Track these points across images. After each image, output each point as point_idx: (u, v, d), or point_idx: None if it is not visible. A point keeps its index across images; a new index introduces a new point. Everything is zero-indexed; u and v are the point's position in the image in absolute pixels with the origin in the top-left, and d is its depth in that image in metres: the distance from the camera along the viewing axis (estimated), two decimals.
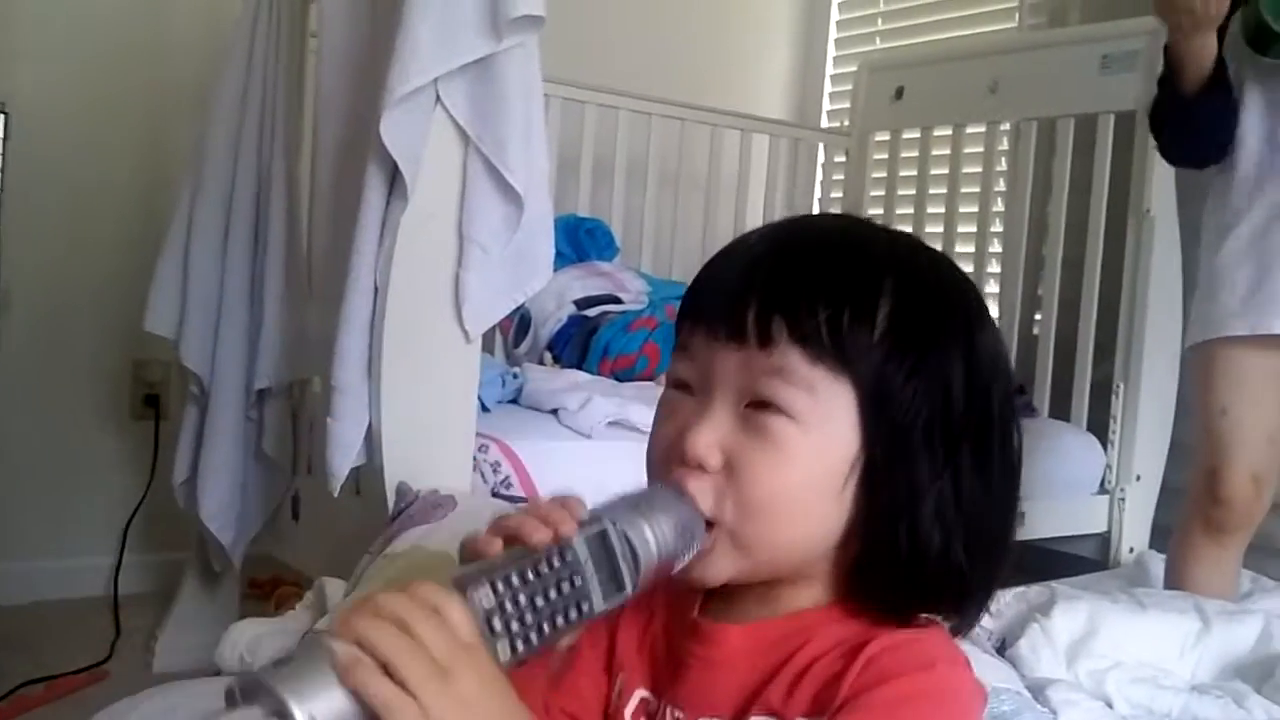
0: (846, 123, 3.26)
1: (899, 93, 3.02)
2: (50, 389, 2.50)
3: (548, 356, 2.36)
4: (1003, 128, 2.84)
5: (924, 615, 0.68)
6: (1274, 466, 1.83)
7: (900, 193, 3.04)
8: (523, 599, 0.58)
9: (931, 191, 2.95)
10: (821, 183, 3.27)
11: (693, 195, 2.87)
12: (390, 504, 1.54)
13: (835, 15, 3.56)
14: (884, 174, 3.10)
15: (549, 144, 1.66)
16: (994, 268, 2.87)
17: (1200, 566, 1.87)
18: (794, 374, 0.66)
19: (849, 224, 0.75)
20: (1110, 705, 1.39)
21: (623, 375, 2.24)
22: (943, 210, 2.90)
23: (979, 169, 2.85)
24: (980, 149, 2.86)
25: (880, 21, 3.48)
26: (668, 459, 0.69)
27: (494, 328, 2.27)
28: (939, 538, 0.66)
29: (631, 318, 2.33)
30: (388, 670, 0.51)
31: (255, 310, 2.01)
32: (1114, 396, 2.43)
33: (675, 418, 0.70)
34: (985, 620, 1.55)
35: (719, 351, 0.68)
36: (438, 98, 1.55)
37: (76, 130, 2.47)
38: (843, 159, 3.21)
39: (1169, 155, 1.95)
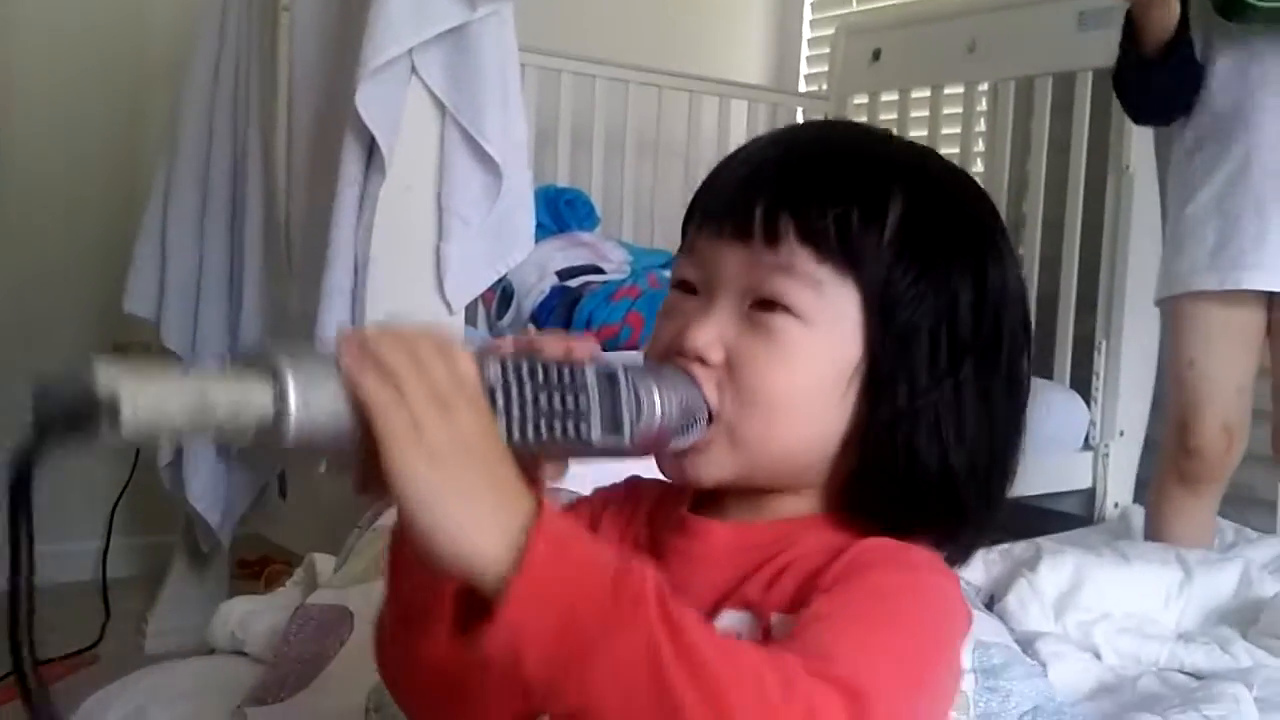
0: (824, 86, 3.25)
1: (876, 55, 3.01)
2: (31, 371, 2.48)
3: (531, 328, 2.35)
4: (981, 88, 2.84)
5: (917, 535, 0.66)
6: (1245, 417, 1.86)
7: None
8: (527, 389, 0.57)
9: None
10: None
11: (672, 163, 2.86)
12: None
13: None
14: None
15: (526, 114, 1.65)
16: None
17: (1178, 518, 1.89)
18: (800, 271, 0.65)
19: (864, 130, 0.77)
20: (1098, 656, 1.41)
21: (607, 345, 2.23)
22: None
23: (958, 130, 2.85)
24: (959, 110, 2.86)
25: None
26: (668, 355, 0.68)
27: (476, 300, 2.26)
28: (936, 452, 0.66)
29: (614, 287, 2.32)
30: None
31: (235, 287, 1.99)
32: (1096, 353, 2.44)
33: (677, 316, 0.69)
34: (973, 576, 1.58)
35: (723, 250, 0.67)
36: (413, 68, 1.53)
37: (52, 109, 2.45)
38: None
39: (1134, 116, 1.97)
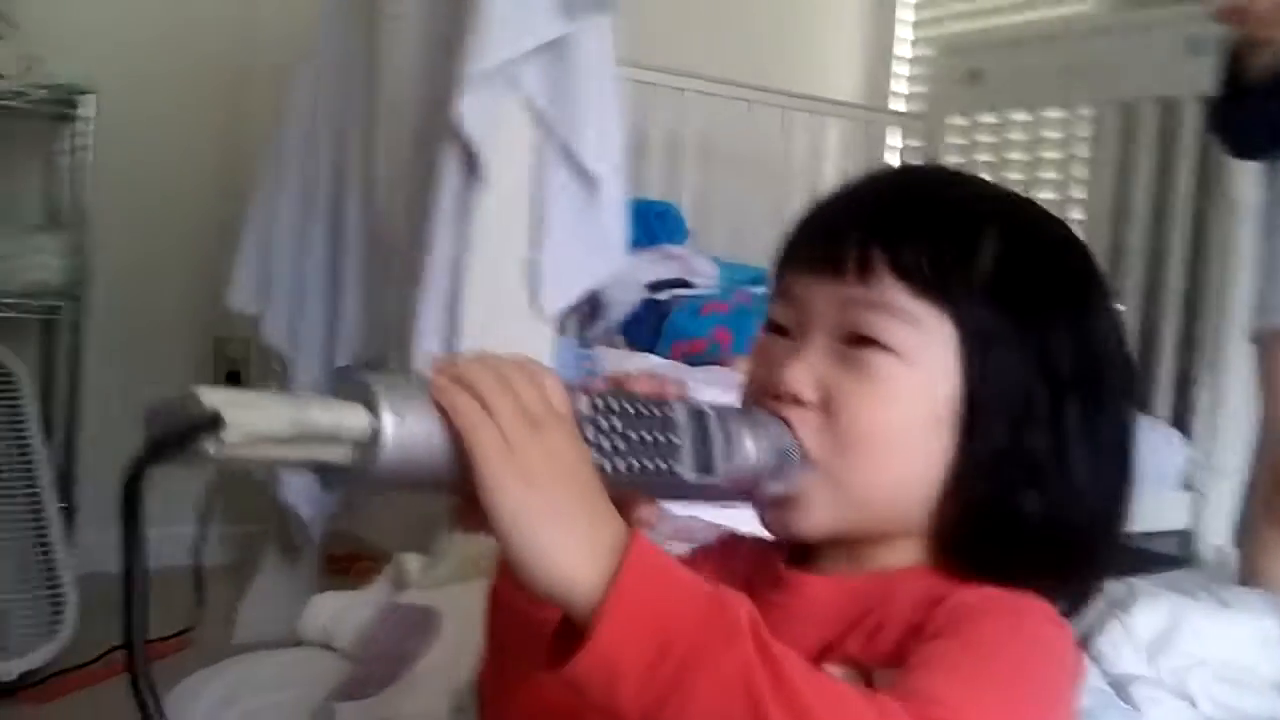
0: (921, 106, 3.22)
1: (974, 75, 2.97)
2: (134, 364, 2.56)
3: (619, 339, 2.37)
4: (1083, 112, 2.79)
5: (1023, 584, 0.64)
6: None
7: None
8: (617, 424, 0.57)
9: (1009, 177, 2.90)
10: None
11: (763, 179, 2.86)
12: None
13: None
14: (959, 159, 3.05)
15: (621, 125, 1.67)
16: None
17: (1272, 562, 1.83)
18: (895, 307, 0.64)
19: (958, 173, 0.77)
20: (1194, 704, 1.36)
21: (694, 360, 2.24)
22: None
23: (1057, 154, 2.81)
24: (1059, 134, 2.81)
25: (955, 2, 3.43)
26: (760, 397, 0.67)
27: (567, 309, 2.28)
28: (1038, 496, 0.64)
29: (702, 302, 2.33)
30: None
31: (336, 288, 2.04)
32: (1197, 389, 2.38)
33: (768, 359, 0.68)
34: None
35: (815, 288, 0.67)
36: (512, 79, 1.55)
37: (161, 111, 2.52)
38: (916, 143, 3.17)
39: (1236, 151, 1.91)
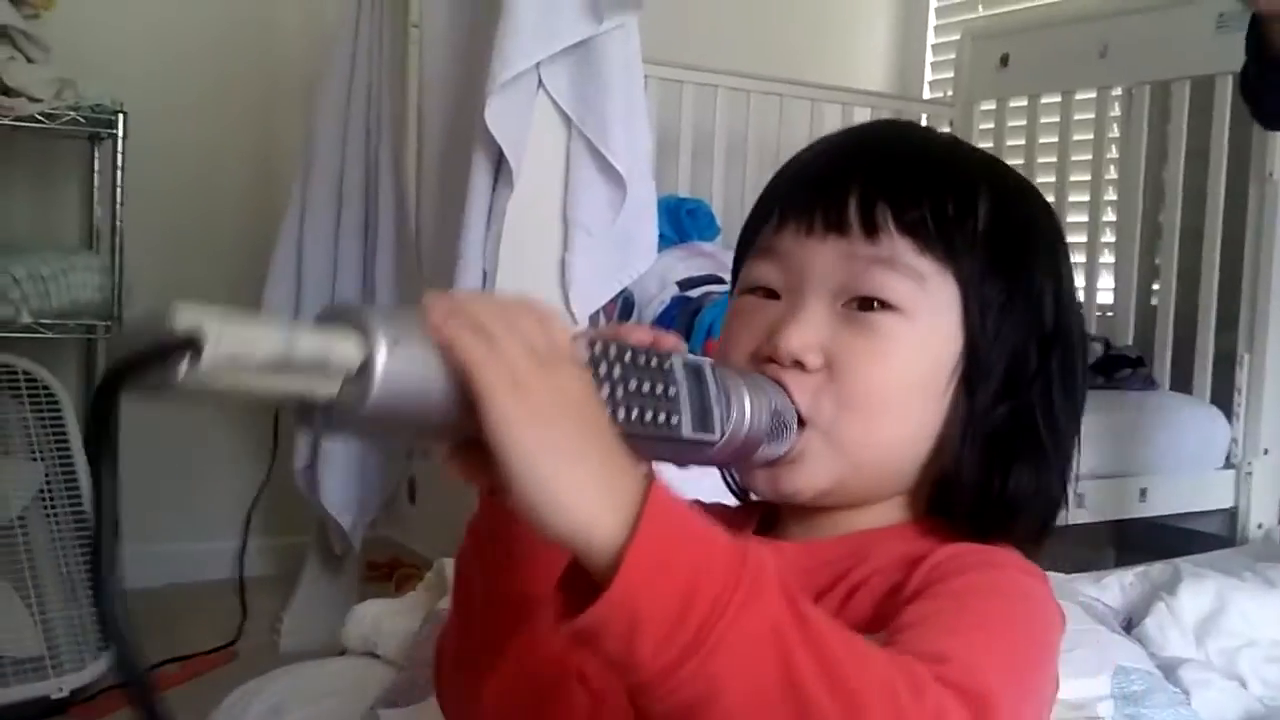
0: (950, 93, 3.19)
1: (1004, 60, 2.94)
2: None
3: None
4: (1114, 93, 2.75)
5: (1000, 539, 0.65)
6: None
7: (1008, 162, 2.96)
8: (616, 370, 0.53)
9: (1040, 160, 2.87)
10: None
11: None
12: None
13: None
14: (990, 144, 3.03)
15: (649, 125, 1.66)
16: (1109, 237, 2.79)
17: None
18: (902, 264, 0.63)
19: (934, 131, 0.76)
20: (1244, 685, 1.35)
21: None
22: (1053, 180, 2.83)
23: (1089, 136, 2.77)
24: (1091, 116, 2.78)
25: None
26: (754, 362, 0.64)
27: (598, 310, 2.28)
28: (1032, 454, 0.65)
29: None
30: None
31: (368, 299, 2.05)
32: (1238, 368, 2.35)
33: (756, 322, 0.65)
34: (1109, 598, 1.52)
35: (812, 246, 0.65)
36: (540, 82, 1.55)
37: (190, 127, 2.55)
38: (947, 129, 3.14)
39: (1266, 124, 1.88)
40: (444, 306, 0.47)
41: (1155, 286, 2.61)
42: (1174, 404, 2.38)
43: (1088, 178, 2.77)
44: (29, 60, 2.13)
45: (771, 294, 0.67)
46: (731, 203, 2.79)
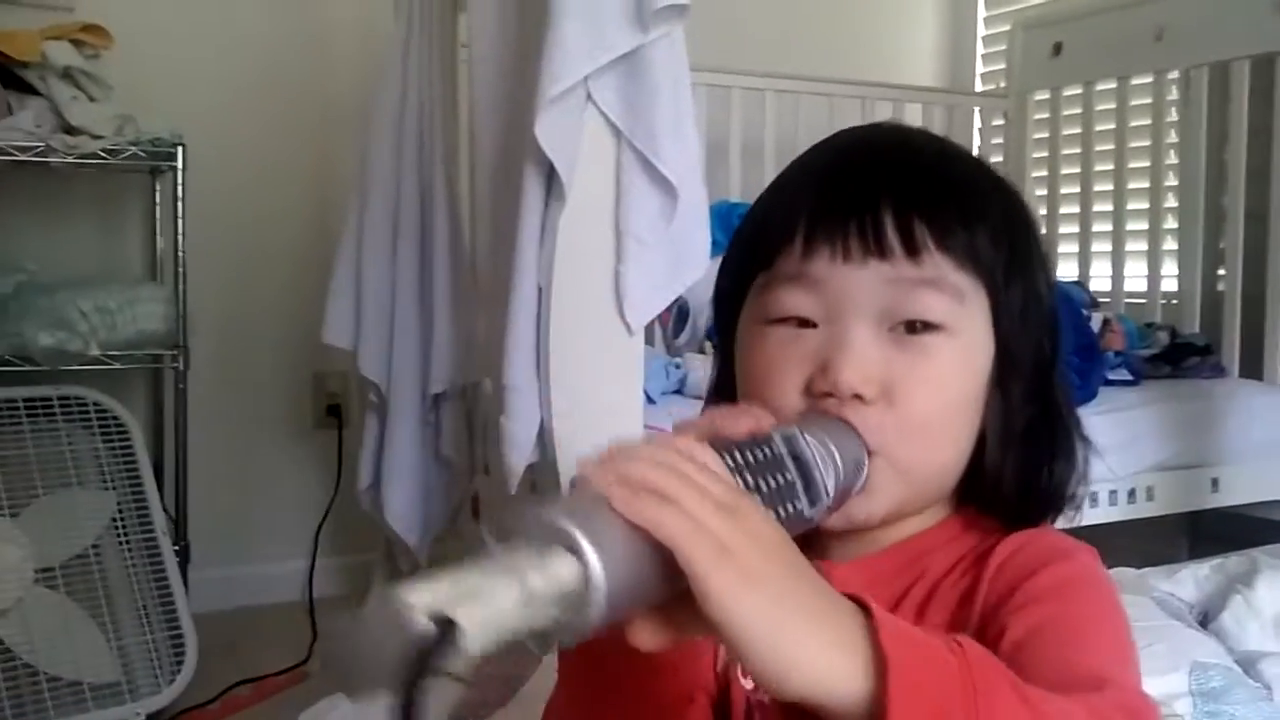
0: (1003, 84, 3.16)
1: (1057, 49, 2.91)
2: (238, 405, 2.63)
3: (707, 346, 2.36)
4: (1171, 76, 2.70)
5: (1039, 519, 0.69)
6: None
7: (1065, 152, 2.93)
8: (748, 478, 0.53)
9: (1098, 148, 2.83)
10: (980, 148, 3.17)
11: None
12: None
13: None
14: (1046, 134, 2.99)
15: (698, 132, 1.65)
16: (1171, 224, 2.74)
17: None
18: (945, 282, 0.63)
19: (919, 130, 0.76)
20: None
21: None
22: (1111, 167, 2.78)
23: (1148, 121, 2.73)
24: (1148, 100, 2.73)
25: None
26: (811, 398, 0.63)
27: (653, 320, 2.28)
28: (1062, 446, 0.68)
29: None
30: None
31: (426, 317, 2.06)
32: None
33: (799, 354, 0.64)
34: (1184, 591, 1.49)
35: (849, 272, 0.63)
36: (588, 95, 1.56)
37: (247, 156, 2.59)
38: (1001, 122, 3.11)
39: None
40: (618, 481, 0.45)
41: (1221, 271, 2.56)
42: (1244, 391, 2.33)
43: (1147, 164, 2.73)
44: (91, 99, 2.18)
45: (805, 323, 0.65)
46: None
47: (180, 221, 2.29)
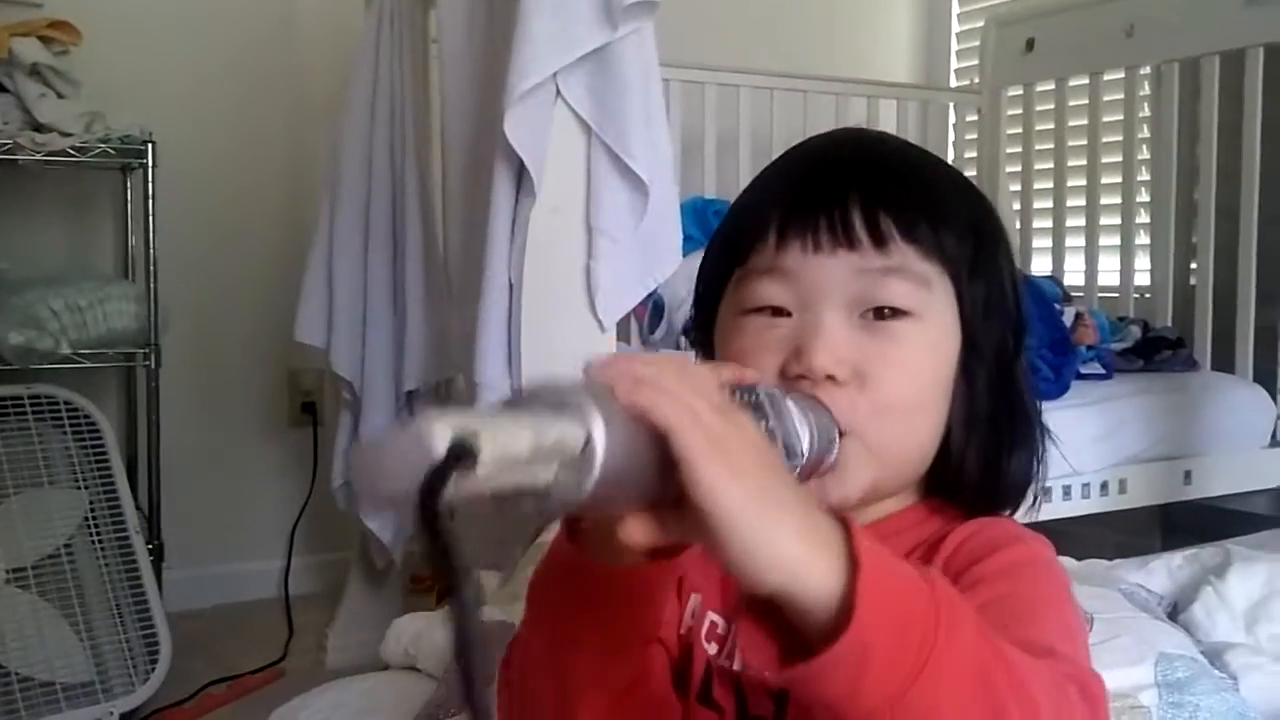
0: (976, 80, 3.17)
1: (1029, 44, 2.92)
2: (211, 403, 2.62)
3: (683, 341, 2.36)
4: (1143, 72, 2.72)
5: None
6: None
7: (1038, 147, 2.94)
8: None
9: (1071, 144, 2.84)
10: (954, 143, 3.19)
11: None
12: None
13: None
14: (1019, 129, 3.00)
15: (671, 127, 1.66)
16: (1143, 218, 2.75)
17: None
18: (910, 271, 0.66)
19: (880, 133, 0.79)
20: None
21: None
22: (1084, 163, 2.80)
23: (1119, 117, 2.74)
24: (1119, 96, 2.75)
25: None
26: (783, 382, 0.66)
27: (629, 315, 2.28)
28: (1023, 432, 0.71)
29: None
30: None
31: (399, 314, 2.06)
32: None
33: (774, 341, 0.67)
34: (1155, 583, 1.49)
35: (820, 262, 0.66)
36: (558, 91, 1.56)
37: (218, 153, 2.58)
38: (975, 118, 3.12)
39: None
40: (624, 373, 0.48)
41: (1193, 266, 2.58)
42: (1216, 384, 2.35)
43: (1119, 159, 2.74)
44: (59, 96, 2.16)
45: (779, 311, 0.68)
46: None
47: (151, 219, 2.28)
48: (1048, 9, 2.97)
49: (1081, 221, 2.81)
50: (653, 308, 2.41)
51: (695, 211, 2.51)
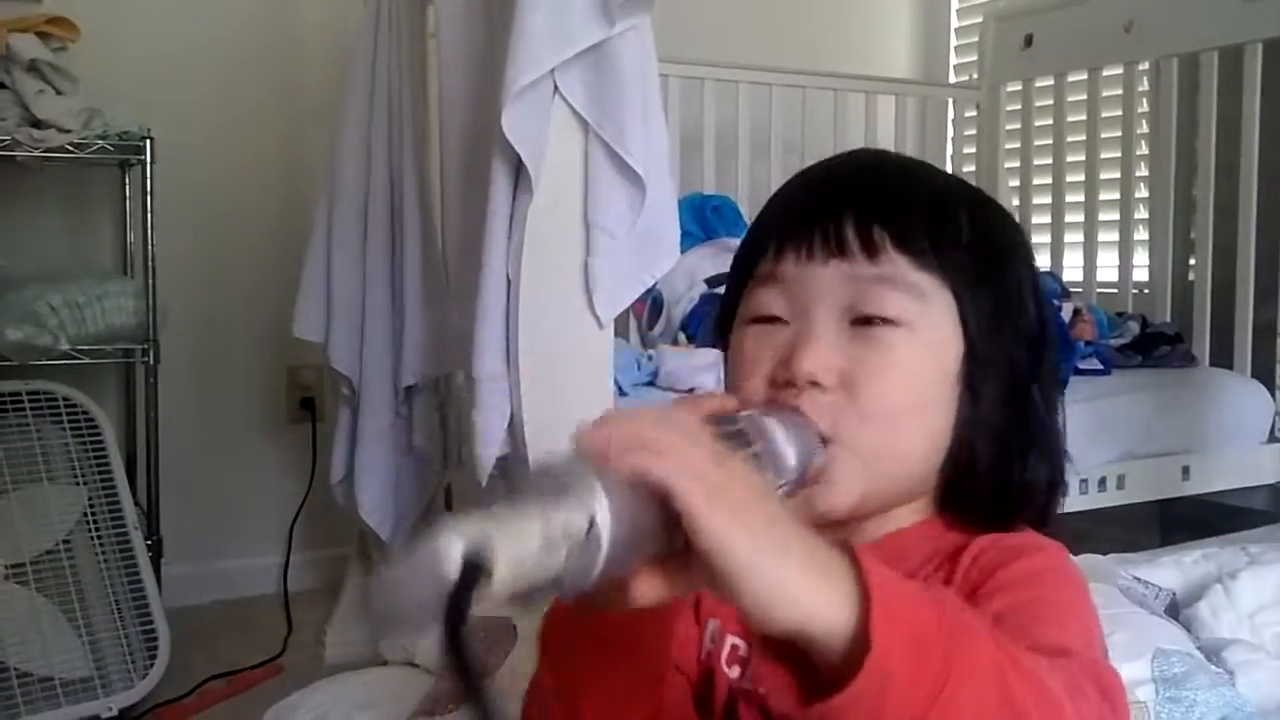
0: (975, 75, 3.17)
1: (1028, 40, 2.92)
2: (210, 399, 2.62)
3: (681, 336, 2.36)
4: (1141, 68, 2.72)
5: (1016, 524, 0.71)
6: None
7: (1037, 143, 2.94)
8: (722, 445, 0.54)
9: (1070, 139, 2.84)
10: (953, 139, 3.18)
11: None
12: None
13: None
14: (1018, 125, 3.00)
15: (669, 124, 1.66)
16: (1142, 213, 2.75)
17: None
18: (902, 280, 0.67)
19: (901, 155, 0.79)
20: None
21: None
22: (1083, 159, 2.80)
23: (1118, 113, 2.74)
24: (1118, 92, 2.75)
25: None
26: (772, 389, 0.67)
27: (627, 311, 2.28)
28: (1038, 449, 0.70)
29: None
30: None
31: (397, 310, 2.06)
32: (1279, 340, 2.31)
33: (767, 349, 0.68)
34: (1164, 578, 1.48)
35: (814, 271, 0.68)
36: (555, 87, 1.56)
37: (217, 148, 2.58)
38: (974, 113, 3.12)
39: None
40: (616, 439, 0.48)
41: (1191, 261, 2.58)
42: (1215, 380, 2.35)
43: (1118, 155, 2.74)
44: (58, 92, 2.16)
45: (775, 320, 0.69)
46: (757, 198, 2.77)
47: (149, 215, 2.28)
48: (1047, 5, 2.97)
49: (1080, 217, 2.81)
50: (651, 304, 2.41)
51: (694, 208, 2.52)
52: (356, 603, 2.28)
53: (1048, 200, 2.91)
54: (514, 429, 1.62)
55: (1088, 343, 2.33)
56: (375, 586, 0.44)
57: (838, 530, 0.67)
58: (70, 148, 2.15)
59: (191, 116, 2.50)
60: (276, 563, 2.63)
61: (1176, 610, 1.45)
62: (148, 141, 2.22)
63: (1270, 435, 2.33)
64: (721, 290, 2.45)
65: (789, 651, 0.49)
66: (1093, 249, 2.77)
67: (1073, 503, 2.09)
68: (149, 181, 2.26)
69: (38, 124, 2.12)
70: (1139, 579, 1.48)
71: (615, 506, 0.45)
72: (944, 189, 0.72)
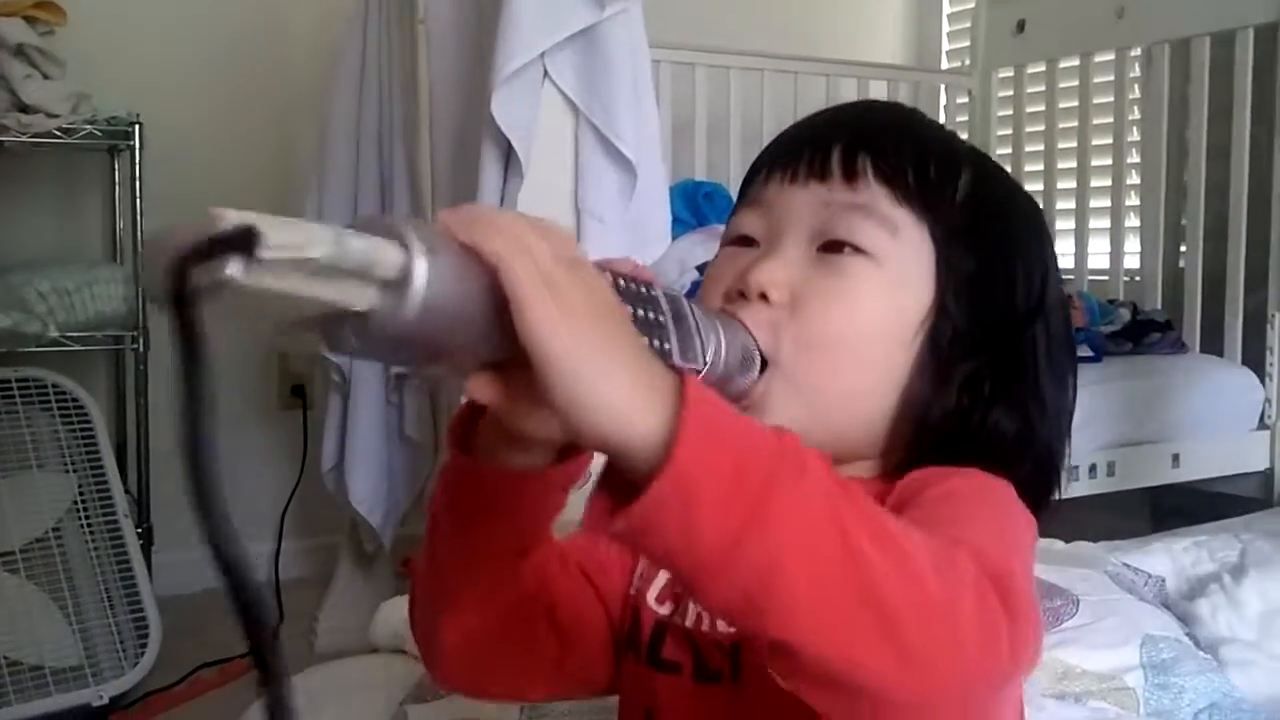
0: (967, 62, 3.16)
1: (1020, 26, 2.91)
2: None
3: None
4: (1133, 54, 2.71)
5: None
6: None
7: (1029, 129, 2.94)
8: (619, 299, 0.51)
9: (1062, 125, 2.84)
10: (945, 124, 3.17)
11: None
12: None
13: None
14: (1010, 111, 3.00)
15: (660, 109, 1.65)
16: (1133, 200, 2.75)
17: None
18: (877, 211, 0.65)
19: (924, 114, 0.77)
20: None
21: None
22: (1075, 145, 2.79)
23: (1110, 99, 2.74)
24: (1110, 78, 2.74)
25: None
26: (724, 301, 0.65)
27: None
28: (1009, 417, 0.66)
29: None
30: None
31: None
32: (1269, 327, 2.32)
33: (733, 266, 0.67)
34: (1156, 566, 1.47)
35: (794, 193, 0.67)
36: (545, 72, 1.55)
37: (206, 133, 2.56)
38: (965, 99, 3.12)
39: None
40: (466, 216, 0.46)
41: (1182, 248, 2.58)
42: (1205, 367, 2.35)
43: (1109, 141, 2.74)
44: (45, 76, 2.14)
45: (749, 241, 0.68)
46: None
47: (139, 201, 2.27)
48: None
49: (1071, 204, 2.81)
50: None
51: (685, 194, 2.51)
52: (347, 591, 2.28)
53: (1039, 186, 2.91)
54: None
55: (1078, 330, 2.33)
56: (149, 248, 0.41)
57: None
58: (58, 133, 2.13)
59: (181, 101, 2.49)
60: (267, 550, 2.62)
61: (1167, 597, 1.46)
62: (136, 126, 2.21)
63: (1260, 422, 2.33)
64: None
65: (614, 478, 0.46)
66: (1083, 235, 2.77)
67: (1062, 489, 2.09)
68: (138, 167, 2.25)
69: (25, 109, 2.11)
70: (1129, 565, 1.49)
71: (438, 265, 0.43)
72: (955, 146, 0.71)
